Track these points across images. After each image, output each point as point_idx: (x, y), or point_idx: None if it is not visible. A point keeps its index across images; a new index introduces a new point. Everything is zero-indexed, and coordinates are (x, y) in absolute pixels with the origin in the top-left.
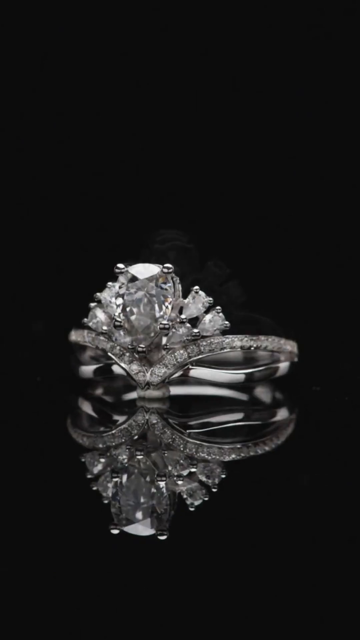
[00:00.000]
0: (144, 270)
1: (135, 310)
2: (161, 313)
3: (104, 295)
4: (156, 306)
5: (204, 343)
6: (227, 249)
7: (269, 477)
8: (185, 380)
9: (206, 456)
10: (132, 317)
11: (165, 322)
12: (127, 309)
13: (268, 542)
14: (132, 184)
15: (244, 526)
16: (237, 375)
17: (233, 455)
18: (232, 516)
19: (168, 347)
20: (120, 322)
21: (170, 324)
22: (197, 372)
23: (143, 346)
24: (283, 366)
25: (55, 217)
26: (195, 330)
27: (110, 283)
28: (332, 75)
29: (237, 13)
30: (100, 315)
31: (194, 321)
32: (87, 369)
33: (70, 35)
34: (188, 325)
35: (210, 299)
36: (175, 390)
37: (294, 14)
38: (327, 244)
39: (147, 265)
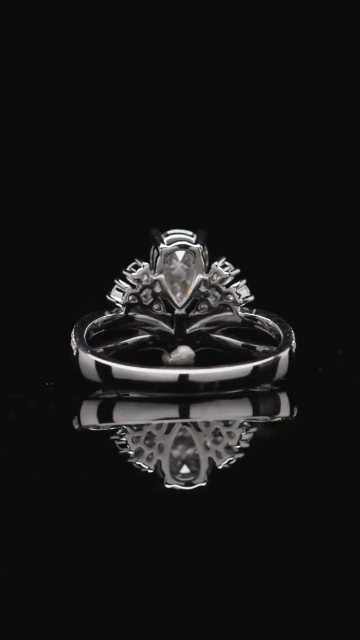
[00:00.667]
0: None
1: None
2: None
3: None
4: None
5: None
6: (226, 248)
7: (268, 477)
8: (184, 382)
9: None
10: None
11: None
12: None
13: (265, 544)
14: (132, 184)
15: (240, 527)
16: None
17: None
18: (228, 517)
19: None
20: None
21: None
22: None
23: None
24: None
25: (55, 217)
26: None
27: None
28: (332, 75)
29: (237, 13)
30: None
31: None
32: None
33: (70, 35)
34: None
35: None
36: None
37: (294, 14)
38: (327, 244)
39: None
